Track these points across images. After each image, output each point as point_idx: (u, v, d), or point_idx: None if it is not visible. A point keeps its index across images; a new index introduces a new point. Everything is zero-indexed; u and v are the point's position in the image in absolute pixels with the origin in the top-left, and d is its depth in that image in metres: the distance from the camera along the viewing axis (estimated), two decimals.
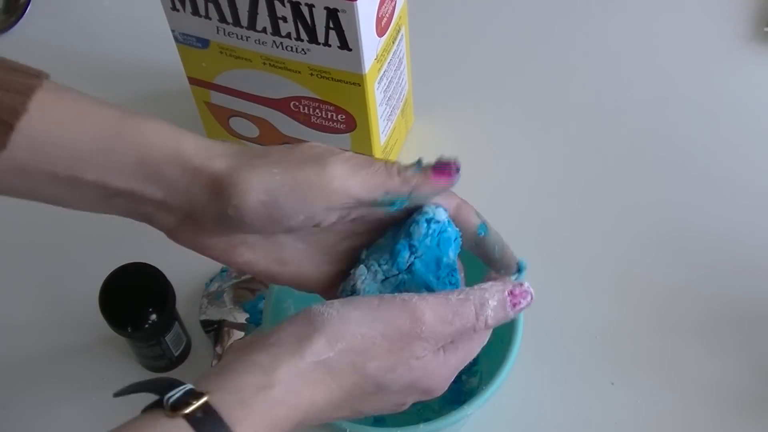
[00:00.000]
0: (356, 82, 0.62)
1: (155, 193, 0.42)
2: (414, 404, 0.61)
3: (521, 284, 0.44)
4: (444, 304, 0.42)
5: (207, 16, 0.62)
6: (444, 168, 0.43)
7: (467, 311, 0.42)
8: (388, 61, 0.64)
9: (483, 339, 0.46)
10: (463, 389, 0.61)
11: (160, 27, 0.67)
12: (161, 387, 0.37)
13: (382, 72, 0.64)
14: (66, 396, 0.64)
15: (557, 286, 0.66)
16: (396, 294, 0.42)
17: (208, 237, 0.44)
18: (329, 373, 0.40)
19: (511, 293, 0.43)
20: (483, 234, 0.47)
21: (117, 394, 0.39)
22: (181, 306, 0.62)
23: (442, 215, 0.44)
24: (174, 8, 0.63)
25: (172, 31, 0.66)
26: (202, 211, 0.42)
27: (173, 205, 0.42)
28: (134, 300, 0.60)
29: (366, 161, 0.43)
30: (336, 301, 0.41)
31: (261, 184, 0.41)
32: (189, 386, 0.37)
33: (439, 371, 0.43)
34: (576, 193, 0.72)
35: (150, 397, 0.38)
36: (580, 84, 0.79)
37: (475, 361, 0.61)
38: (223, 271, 0.67)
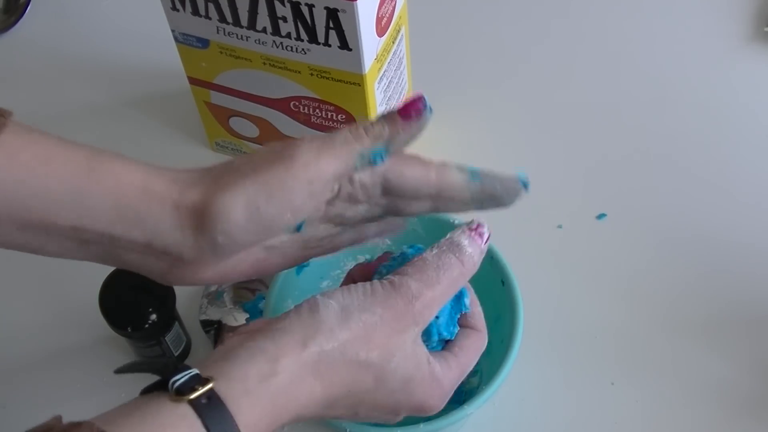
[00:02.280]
0: (356, 82, 0.62)
1: (138, 237, 0.41)
2: None
3: (471, 220, 0.45)
4: (423, 268, 0.42)
5: (207, 16, 0.62)
6: (410, 106, 0.42)
7: (448, 260, 0.43)
8: (388, 61, 0.64)
9: (479, 348, 0.46)
10: (463, 389, 0.61)
11: (160, 27, 0.67)
12: (165, 369, 0.37)
13: (382, 72, 0.64)
14: (66, 396, 0.63)
15: (557, 286, 0.66)
16: (384, 278, 0.43)
17: (203, 271, 0.43)
18: (332, 365, 0.39)
19: (470, 230, 0.44)
20: (478, 181, 0.44)
21: (118, 371, 0.39)
22: (181, 306, 0.62)
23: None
24: (174, 8, 0.63)
25: (172, 31, 0.66)
26: (191, 249, 0.41)
27: (158, 247, 0.41)
28: (134, 300, 0.60)
29: (329, 136, 0.42)
30: (336, 291, 0.41)
31: (238, 200, 0.40)
32: (194, 371, 0.37)
33: (435, 385, 0.44)
34: (576, 192, 0.72)
35: (146, 380, 0.38)
36: (580, 83, 0.79)
37: None
38: None
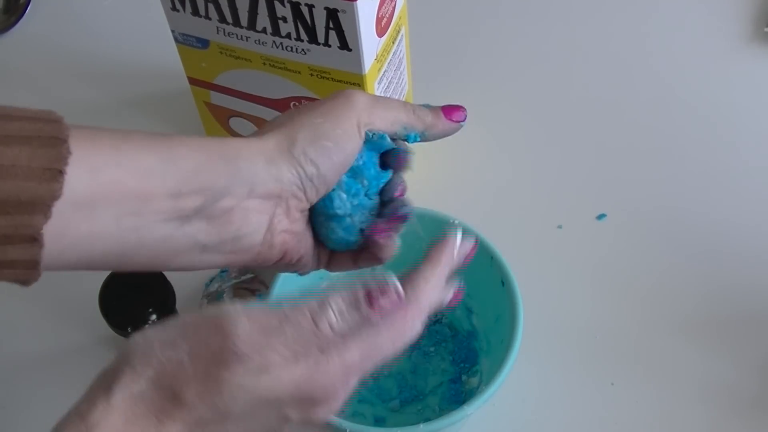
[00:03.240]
0: (356, 83, 0.62)
1: (238, 187, 0.40)
2: (414, 404, 0.62)
3: (384, 281, 0.38)
4: (267, 313, 0.37)
5: (207, 17, 0.62)
6: (455, 109, 0.46)
7: (298, 315, 0.37)
8: (388, 61, 0.64)
9: (393, 336, 0.38)
10: (463, 389, 0.61)
11: (160, 27, 0.67)
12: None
13: (382, 72, 0.64)
14: (66, 396, 0.63)
15: (557, 286, 0.66)
16: (219, 308, 0.37)
17: (299, 218, 0.44)
18: (151, 404, 0.35)
19: (368, 292, 0.38)
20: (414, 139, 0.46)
21: None
22: (181, 306, 0.62)
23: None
24: (174, 8, 0.63)
25: (172, 31, 0.66)
26: (290, 182, 0.42)
27: (261, 193, 0.41)
28: (134, 300, 0.60)
29: (382, 96, 0.45)
30: (149, 326, 0.39)
31: (315, 130, 0.42)
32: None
33: (317, 378, 0.36)
34: (576, 192, 0.72)
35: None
36: (580, 83, 0.79)
37: (475, 361, 0.61)
38: (222, 271, 0.67)
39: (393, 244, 0.45)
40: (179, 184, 0.39)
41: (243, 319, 0.36)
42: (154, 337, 0.36)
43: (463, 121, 0.47)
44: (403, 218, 0.45)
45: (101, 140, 0.38)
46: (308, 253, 0.46)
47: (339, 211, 0.45)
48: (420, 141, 0.46)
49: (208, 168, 0.40)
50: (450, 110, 0.47)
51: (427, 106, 0.46)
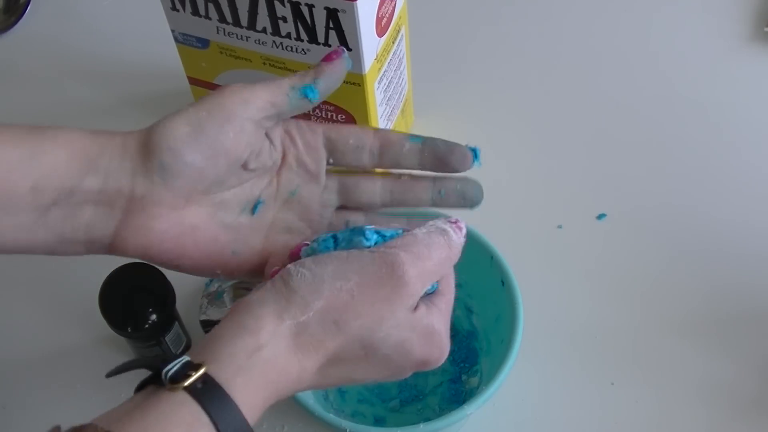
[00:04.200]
0: (356, 82, 0.62)
1: (92, 183, 0.42)
2: (414, 404, 0.62)
3: (448, 216, 0.45)
4: (414, 242, 0.42)
5: (207, 16, 0.62)
6: (330, 53, 0.46)
7: (438, 241, 0.42)
8: (388, 61, 0.64)
9: (451, 279, 0.45)
10: (463, 389, 0.61)
11: (160, 27, 0.67)
12: (155, 362, 0.37)
13: (382, 72, 0.64)
14: (66, 396, 0.64)
15: (557, 286, 0.66)
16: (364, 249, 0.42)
17: (158, 218, 0.43)
18: (312, 335, 0.39)
19: (450, 222, 0.44)
20: (418, 141, 0.47)
21: (110, 374, 0.39)
22: (181, 306, 0.62)
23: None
24: (174, 8, 0.63)
25: (172, 31, 0.66)
26: (143, 177, 0.42)
27: (112, 188, 0.42)
28: (134, 300, 0.60)
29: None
30: (308, 260, 0.41)
31: (180, 119, 0.43)
32: (185, 358, 0.37)
33: (435, 339, 0.42)
34: (576, 192, 0.72)
35: (138, 378, 0.38)
36: (580, 83, 0.79)
37: (475, 361, 0.61)
38: None
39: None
40: (38, 182, 0.41)
41: (401, 249, 0.41)
42: (323, 270, 0.40)
43: (343, 54, 0.46)
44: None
45: None
46: (211, 256, 0.46)
47: None
48: (318, 96, 0.45)
49: (66, 166, 0.42)
50: (327, 55, 0.46)
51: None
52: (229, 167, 0.44)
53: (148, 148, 0.43)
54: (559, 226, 0.70)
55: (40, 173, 0.41)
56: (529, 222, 0.69)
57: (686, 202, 0.70)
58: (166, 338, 0.61)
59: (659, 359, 0.63)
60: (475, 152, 0.47)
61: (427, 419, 0.51)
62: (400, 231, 0.43)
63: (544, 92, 0.78)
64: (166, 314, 0.60)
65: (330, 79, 0.46)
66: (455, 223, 0.44)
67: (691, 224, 0.69)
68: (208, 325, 0.65)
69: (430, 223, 0.44)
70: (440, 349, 0.43)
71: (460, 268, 0.45)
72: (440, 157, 0.47)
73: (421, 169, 0.48)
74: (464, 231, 0.44)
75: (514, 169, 0.73)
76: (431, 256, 0.41)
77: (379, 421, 0.60)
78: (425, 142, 0.47)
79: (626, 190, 0.71)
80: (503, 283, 0.56)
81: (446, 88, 0.78)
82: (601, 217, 0.70)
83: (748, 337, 0.63)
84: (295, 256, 0.44)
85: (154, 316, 0.59)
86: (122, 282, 0.60)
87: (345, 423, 0.50)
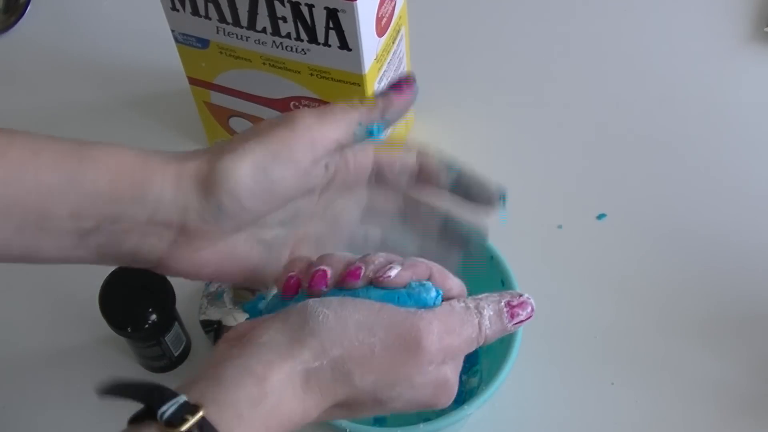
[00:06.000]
0: (356, 82, 0.62)
1: (139, 213, 0.40)
2: None
3: (520, 295, 0.42)
4: (450, 314, 0.40)
5: (207, 16, 0.62)
6: (400, 83, 0.44)
7: (471, 319, 0.41)
8: (388, 61, 0.64)
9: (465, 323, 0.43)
10: (463, 389, 0.61)
11: (160, 27, 0.67)
12: (151, 395, 0.35)
13: (382, 72, 0.64)
14: (66, 396, 0.64)
15: (557, 286, 0.66)
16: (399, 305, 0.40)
17: (205, 249, 0.42)
18: (321, 380, 0.37)
19: (508, 304, 0.42)
20: (454, 175, 0.46)
21: (102, 395, 0.37)
22: (181, 306, 0.62)
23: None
24: (174, 8, 0.63)
25: (172, 31, 0.66)
26: (197, 214, 0.40)
27: (161, 220, 0.40)
28: (134, 300, 0.60)
29: (326, 107, 0.43)
30: (334, 300, 0.39)
31: (244, 161, 0.40)
32: (182, 398, 0.35)
33: (445, 387, 0.41)
34: (576, 192, 0.72)
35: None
36: (580, 83, 0.79)
37: (475, 361, 0.61)
38: None
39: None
40: (79, 208, 0.39)
41: (435, 318, 0.39)
42: (348, 318, 0.38)
43: (414, 84, 0.44)
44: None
45: (11, 152, 0.39)
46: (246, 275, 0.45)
47: None
48: (383, 131, 0.44)
49: (110, 193, 0.40)
50: (398, 82, 0.44)
51: (375, 94, 0.44)
52: (283, 204, 0.43)
53: (206, 186, 0.40)
54: (559, 226, 0.70)
55: (80, 199, 0.39)
56: (529, 222, 0.69)
57: (686, 202, 0.70)
58: (166, 338, 0.61)
59: (659, 359, 0.63)
60: (503, 198, 0.46)
61: (427, 419, 0.51)
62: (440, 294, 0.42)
63: (544, 92, 0.78)
64: (166, 314, 0.60)
65: (398, 114, 0.44)
66: (515, 306, 0.42)
67: (691, 224, 0.69)
68: (208, 325, 0.65)
69: (480, 297, 0.42)
70: (448, 396, 0.42)
71: (460, 268, 0.45)
72: (470, 196, 0.46)
73: (451, 195, 0.47)
74: (521, 316, 0.42)
75: (514, 168, 0.73)
76: (461, 333, 0.40)
77: (378, 421, 0.60)
78: (461, 178, 0.46)
79: (626, 190, 0.71)
80: (503, 283, 0.56)
81: (446, 88, 0.78)
82: (601, 217, 0.70)
83: (748, 337, 0.63)
84: (349, 281, 0.41)
85: (154, 316, 0.59)
86: (122, 282, 0.60)
87: (345, 423, 0.50)
